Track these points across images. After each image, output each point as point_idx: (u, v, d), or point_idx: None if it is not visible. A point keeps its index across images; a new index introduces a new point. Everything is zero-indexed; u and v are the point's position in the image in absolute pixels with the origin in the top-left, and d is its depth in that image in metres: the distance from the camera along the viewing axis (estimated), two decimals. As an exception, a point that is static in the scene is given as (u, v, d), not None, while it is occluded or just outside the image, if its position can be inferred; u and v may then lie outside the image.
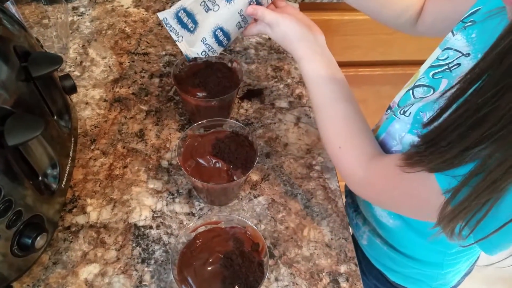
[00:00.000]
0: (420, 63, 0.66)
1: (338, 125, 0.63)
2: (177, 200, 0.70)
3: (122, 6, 1.03)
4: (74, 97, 0.82)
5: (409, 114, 0.58)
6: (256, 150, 0.66)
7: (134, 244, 0.65)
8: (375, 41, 1.28)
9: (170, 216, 0.68)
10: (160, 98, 0.84)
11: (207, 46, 0.70)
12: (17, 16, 0.69)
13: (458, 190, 0.43)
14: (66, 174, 0.62)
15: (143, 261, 0.63)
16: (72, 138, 0.66)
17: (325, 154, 0.77)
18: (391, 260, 0.77)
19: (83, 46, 0.93)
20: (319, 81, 0.64)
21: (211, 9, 0.69)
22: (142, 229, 0.66)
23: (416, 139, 0.56)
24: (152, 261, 0.63)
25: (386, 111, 0.71)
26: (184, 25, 0.70)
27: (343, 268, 0.64)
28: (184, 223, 0.67)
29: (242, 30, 0.72)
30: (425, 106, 0.55)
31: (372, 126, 0.70)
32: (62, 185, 0.61)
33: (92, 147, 0.76)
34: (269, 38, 0.96)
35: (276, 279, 0.62)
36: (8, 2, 0.82)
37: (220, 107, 0.74)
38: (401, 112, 0.60)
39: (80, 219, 0.67)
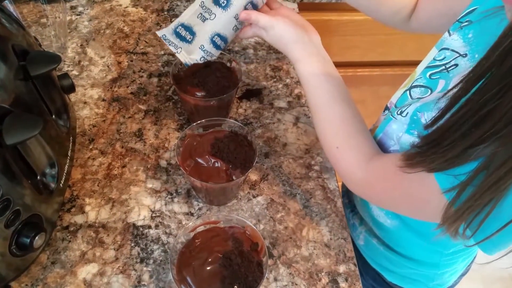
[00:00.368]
0: (419, 63, 0.66)
1: (335, 126, 0.63)
2: (176, 199, 0.70)
3: (120, 5, 1.03)
4: (73, 97, 0.82)
5: (406, 115, 0.58)
6: (255, 150, 0.66)
7: (132, 244, 0.65)
8: (374, 41, 1.28)
9: (169, 216, 0.68)
10: (158, 97, 0.84)
11: (205, 52, 0.71)
12: (15, 15, 0.69)
13: (462, 190, 0.43)
14: (64, 174, 0.62)
15: (141, 261, 0.63)
16: (71, 138, 0.66)
17: (324, 154, 0.77)
18: (387, 260, 0.77)
19: (81, 45, 0.93)
20: (316, 82, 0.64)
21: (207, 19, 0.69)
22: (141, 229, 0.66)
23: (413, 139, 0.56)
24: (151, 261, 0.63)
25: (384, 111, 0.71)
26: (182, 38, 0.71)
27: (342, 268, 0.64)
28: (183, 222, 0.67)
29: (239, 32, 0.72)
30: (423, 106, 0.55)
31: (370, 126, 0.70)
32: (61, 185, 0.61)
33: (91, 147, 0.76)
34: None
35: (275, 279, 0.62)
36: (6, 1, 0.82)
37: (219, 106, 0.74)
38: (398, 113, 0.60)
39: (79, 219, 0.67)
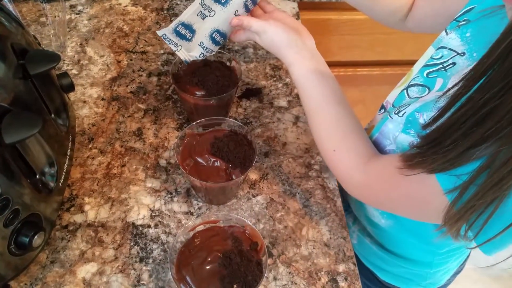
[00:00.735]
0: (418, 62, 0.66)
1: (330, 128, 0.63)
2: (175, 199, 0.70)
3: (120, 4, 1.02)
4: (72, 96, 0.82)
5: (403, 115, 0.57)
6: (254, 149, 0.66)
7: (132, 243, 0.64)
8: (374, 40, 1.28)
9: (168, 215, 0.68)
10: (158, 96, 0.84)
11: (205, 48, 0.71)
12: (14, 13, 0.69)
13: (464, 189, 0.43)
14: (63, 173, 0.62)
15: (141, 260, 0.63)
16: (70, 137, 0.66)
17: (323, 153, 0.77)
18: (380, 259, 0.77)
19: (81, 44, 0.92)
20: (310, 85, 0.64)
21: (207, 16, 0.69)
22: (140, 228, 0.66)
23: (410, 138, 0.56)
24: (150, 260, 0.63)
25: (379, 110, 0.71)
26: (182, 36, 0.71)
27: (341, 268, 0.64)
28: (183, 222, 0.67)
29: (232, 35, 0.72)
30: (422, 107, 0.55)
31: (365, 125, 0.70)
32: (60, 184, 0.61)
33: (90, 146, 0.75)
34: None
35: (275, 278, 0.62)
36: (5, 0, 0.82)
37: (218, 106, 0.74)
38: (396, 113, 0.60)
39: (78, 218, 0.66)
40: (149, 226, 0.66)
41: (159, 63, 0.90)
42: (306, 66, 0.64)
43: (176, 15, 0.73)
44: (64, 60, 0.89)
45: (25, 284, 0.60)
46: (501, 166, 0.39)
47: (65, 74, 0.66)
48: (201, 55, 0.71)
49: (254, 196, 0.71)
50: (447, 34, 0.59)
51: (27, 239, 0.52)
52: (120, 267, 0.62)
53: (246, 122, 0.81)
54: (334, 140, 0.62)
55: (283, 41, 0.65)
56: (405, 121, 0.57)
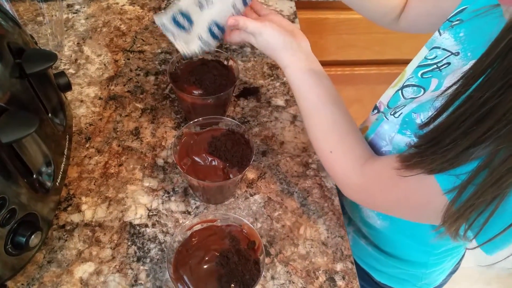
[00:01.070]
0: (414, 62, 0.66)
1: (327, 130, 0.63)
2: (172, 198, 0.70)
3: (117, 3, 1.02)
4: (69, 95, 0.82)
5: (399, 116, 0.57)
6: (252, 148, 0.66)
7: (129, 243, 0.64)
8: (371, 40, 1.28)
9: (165, 215, 0.68)
10: (155, 96, 0.84)
11: (203, 41, 0.70)
12: (11, 13, 0.69)
13: (463, 189, 0.42)
14: (60, 172, 0.62)
15: (138, 260, 0.63)
16: (67, 136, 0.66)
17: (321, 153, 0.77)
18: (376, 260, 0.77)
19: (78, 43, 0.92)
20: (305, 87, 0.64)
21: (205, 7, 0.69)
22: (138, 228, 0.66)
23: (406, 139, 0.56)
24: (148, 260, 0.63)
25: (373, 111, 0.71)
26: (180, 26, 0.70)
27: (339, 266, 0.64)
28: (180, 221, 0.67)
29: (227, 36, 0.72)
30: (419, 107, 0.55)
31: (359, 126, 0.70)
32: (57, 183, 0.61)
33: (87, 145, 0.75)
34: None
35: (273, 277, 0.62)
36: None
37: (216, 105, 0.74)
38: (392, 114, 0.59)
39: (75, 218, 0.66)
40: (146, 226, 0.66)
41: (156, 62, 0.90)
42: (301, 68, 0.64)
43: (174, 14, 0.72)
44: (61, 59, 0.89)
45: (22, 284, 0.59)
46: (500, 165, 0.39)
47: (62, 73, 0.65)
48: (200, 49, 0.70)
49: (251, 195, 0.71)
50: (440, 34, 0.59)
51: (24, 239, 0.52)
52: (117, 267, 0.62)
53: (243, 121, 0.81)
54: (331, 142, 0.62)
55: (278, 43, 0.65)
56: (401, 122, 0.57)
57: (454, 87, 0.43)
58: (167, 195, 0.70)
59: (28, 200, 0.53)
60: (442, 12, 0.63)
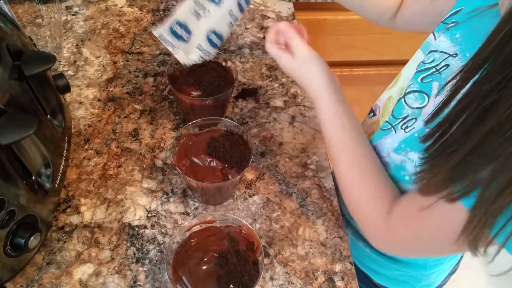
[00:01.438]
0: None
1: (352, 166, 0.61)
2: (171, 199, 0.70)
3: (116, 5, 1.02)
4: (68, 97, 0.82)
5: (410, 130, 0.57)
6: (251, 149, 0.66)
7: (128, 244, 0.64)
8: (370, 40, 1.28)
9: (164, 216, 0.68)
10: (154, 97, 0.84)
11: (203, 51, 0.71)
12: (10, 15, 0.69)
13: (481, 196, 0.41)
14: (59, 174, 0.62)
15: (137, 261, 0.63)
16: (66, 138, 0.66)
17: (320, 153, 0.78)
18: (374, 262, 0.77)
19: (76, 45, 0.92)
20: (337, 122, 0.62)
21: (202, 16, 0.69)
22: (137, 229, 0.66)
23: (401, 158, 0.57)
24: (147, 261, 0.63)
25: (369, 114, 0.71)
26: (179, 37, 0.70)
27: (338, 267, 0.64)
28: (179, 222, 0.67)
29: (233, 28, 0.72)
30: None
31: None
32: (56, 185, 0.61)
33: (86, 147, 0.75)
34: (264, 37, 0.96)
35: (271, 278, 0.62)
36: (0, 1, 0.82)
37: (214, 106, 0.74)
38: (402, 127, 0.59)
39: (74, 219, 0.66)
40: (145, 227, 0.66)
41: (155, 63, 0.90)
42: (334, 103, 0.62)
43: (172, 16, 0.72)
44: (60, 61, 0.89)
45: (21, 285, 0.59)
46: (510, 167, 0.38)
47: (61, 75, 0.66)
48: (200, 59, 0.71)
49: (250, 196, 0.71)
50: (435, 38, 0.59)
51: (23, 241, 0.52)
52: (116, 268, 0.62)
53: (242, 122, 0.81)
54: (356, 179, 0.60)
55: (323, 81, 0.62)
56: (407, 138, 0.57)
57: (454, 81, 0.43)
58: (166, 196, 0.70)
59: (27, 201, 0.53)
60: (437, 10, 0.63)
